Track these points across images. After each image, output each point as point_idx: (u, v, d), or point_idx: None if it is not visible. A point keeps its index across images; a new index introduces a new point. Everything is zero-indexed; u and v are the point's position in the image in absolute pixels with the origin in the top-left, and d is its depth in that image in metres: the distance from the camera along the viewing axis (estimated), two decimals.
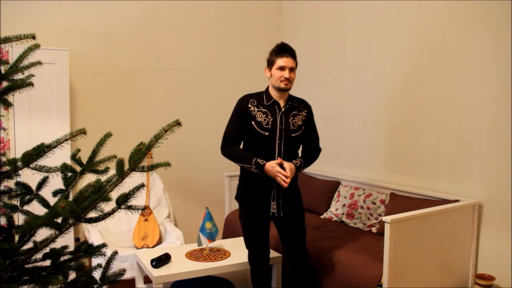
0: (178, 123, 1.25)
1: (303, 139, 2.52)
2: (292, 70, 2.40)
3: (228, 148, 2.49)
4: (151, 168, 1.25)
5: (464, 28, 2.86)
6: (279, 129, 2.41)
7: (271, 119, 2.42)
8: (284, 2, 4.61)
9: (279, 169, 2.30)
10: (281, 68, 2.38)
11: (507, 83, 2.61)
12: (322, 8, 4.09)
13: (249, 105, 2.45)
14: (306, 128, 2.50)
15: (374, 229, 3.23)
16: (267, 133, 2.40)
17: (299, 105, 2.51)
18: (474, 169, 2.83)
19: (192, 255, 2.91)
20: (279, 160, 2.33)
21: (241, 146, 2.54)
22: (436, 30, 3.04)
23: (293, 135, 2.43)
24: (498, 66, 2.66)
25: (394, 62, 3.37)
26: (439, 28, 3.01)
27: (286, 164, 2.32)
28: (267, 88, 2.50)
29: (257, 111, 2.43)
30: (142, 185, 1.31)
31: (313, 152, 2.57)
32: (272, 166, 2.32)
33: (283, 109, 2.44)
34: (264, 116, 2.42)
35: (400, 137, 3.37)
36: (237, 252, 3.00)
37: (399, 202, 3.08)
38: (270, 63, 2.45)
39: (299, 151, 2.57)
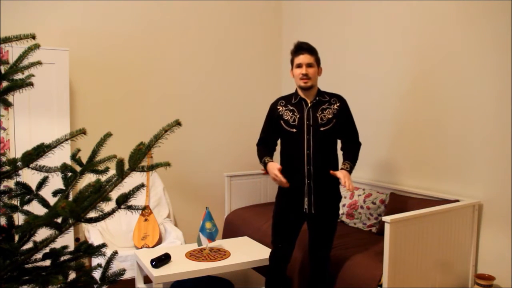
0: (178, 123, 1.25)
1: (338, 134, 2.51)
2: (310, 66, 2.42)
3: (257, 149, 2.61)
4: (151, 168, 1.25)
5: (465, 29, 2.86)
6: (307, 125, 2.43)
7: (298, 116, 2.45)
8: (284, 2, 4.61)
9: (276, 173, 2.35)
10: (299, 66, 2.43)
11: (507, 83, 2.61)
12: (322, 8, 4.09)
13: (278, 106, 2.53)
14: (340, 122, 2.48)
15: (374, 229, 3.23)
16: (294, 130, 2.44)
17: (331, 99, 2.51)
18: (474, 169, 2.83)
19: (192, 255, 2.91)
20: (279, 167, 2.37)
21: (278, 147, 2.62)
22: (435, 31, 3.04)
23: (322, 129, 2.42)
24: (498, 66, 2.66)
25: (394, 63, 3.37)
26: (439, 29, 3.01)
27: (340, 174, 2.34)
28: (296, 88, 2.54)
29: (285, 110, 2.50)
30: (142, 185, 1.31)
31: (354, 149, 2.56)
32: (270, 168, 2.40)
33: (310, 104, 2.46)
34: (291, 113, 2.47)
35: (400, 137, 3.37)
36: (237, 252, 3.00)
37: (399, 202, 3.08)
38: (291, 64, 2.51)
39: (339, 149, 2.57)
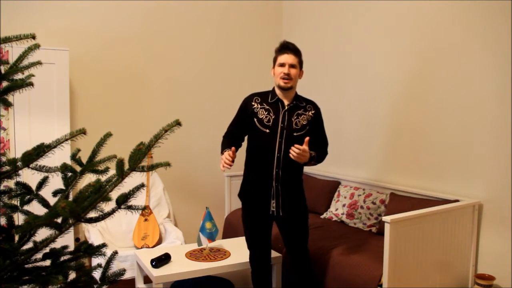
0: (178, 123, 1.25)
1: (310, 142, 2.42)
2: (292, 66, 2.38)
3: (222, 141, 2.57)
4: (151, 168, 1.25)
5: (463, 29, 2.85)
6: (280, 127, 2.39)
7: (273, 117, 2.41)
8: (284, 2, 4.61)
9: (225, 154, 2.32)
10: (282, 65, 2.39)
11: (507, 83, 2.61)
12: (322, 8, 4.09)
13: (253, 103, 2.47)
14: (312, 129, 2.45)
15: (374, 229, 3.23)
16: (267, 131, 2.40)
17: (306, 105, 2.48)
18: (474, 169, 2.83)
19: (192, 255, 2.91)
20: (233, 149, 2.34)
21: (244, 143, 2.57)
22: (435, 31, 3.04)
23: (295, 134, 2.39)
24: (498, 66, 2.66)
25: (394, 63, 3.37)
26: (438, 28, 3.01)
27: (302, 147, 2.25)
28: (274, 87, 2.51)
29: (260, 108, 2.44)
30: (142, 185, 1.31)
31: (322, 151, 2.52)
32: (224, 155, 2.33)
33: (286, 107, 2.43)
34: (266, 113, 2.42)
35: (400, 137, 3.37)
36: (237, 252, 3.00)
37: (399, 202, 3.08)
38: (274, 62, 2.47)
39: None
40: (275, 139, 2.38)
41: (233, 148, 2.35)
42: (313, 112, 2.48)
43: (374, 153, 3.60)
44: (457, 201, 2.78)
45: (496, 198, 2.70)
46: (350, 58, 3.80)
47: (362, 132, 3.69)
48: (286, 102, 2.44)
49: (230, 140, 2.53)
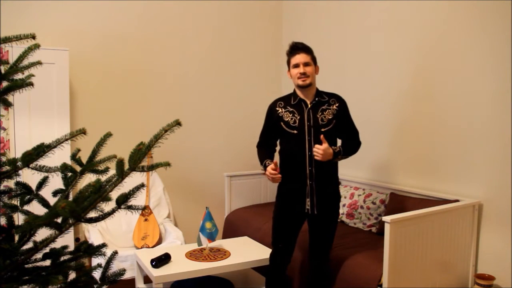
0: (178, 123, 1.25)
1: (339, 134, 2.51)
2: (307, 64, 2.43)
3: (258, 151, 2.63)
4: (151, 168, 1.25)
5: (463, 28, 2.85)
6: (307, 126, 2.43)
7: (298, 117, 2.45)
8: (284, 2, 4.61)
9: (269, 170, 2.42)
10: (296, 66, 2.43)
11: (507, 83, 2.61)
12: (322, 8, 4.09)
13: (277, 108, 2.53)
14: (339, 122, 2.48)
15: (374, 229, 3.23)
16: (295, 131, 2.44)
17: (329, 100, 2.52)
18: (474, 169, 2.83)
19: (192, 255, 2.92)
20: (272, 165, 2.42)
21: (277, 148, 2.64)
22: (435, 30, 3.04)
23: (323, 130, 2.42)
24: (498, 66, 2.66)
25: (393, 63, 3.37)
26: (438, 28, 3.01)
27: (321, 146, 2.34)
28: (294, 89, 2.54)
29: (285, 111, 2.49)
30: (142, 185, 1.31)
31: (351, 144, 2.54)
32: (268, 171, 2.43)
33: (309, 105, 2.46)
34: (291, 115, 2.47)
35: (400, 137, 3.37)
36: (237, 252, 3.00)
37: (399, 202, 3.08)
38: (288, 65, 2.52)
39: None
40: (304, 138, 2.43)
41: (275, 161, 2.43)
42: (337, 105, 2.51)
43: (374, 153, 3.60)
44: (457, 201, 2.78)
45: (496, 198, 2.70)
46: (350, 58, 3.80)
47: (362, 132, 3.66)
48: (308, 101, 2.47)
49: (264, 149, 2.61)
